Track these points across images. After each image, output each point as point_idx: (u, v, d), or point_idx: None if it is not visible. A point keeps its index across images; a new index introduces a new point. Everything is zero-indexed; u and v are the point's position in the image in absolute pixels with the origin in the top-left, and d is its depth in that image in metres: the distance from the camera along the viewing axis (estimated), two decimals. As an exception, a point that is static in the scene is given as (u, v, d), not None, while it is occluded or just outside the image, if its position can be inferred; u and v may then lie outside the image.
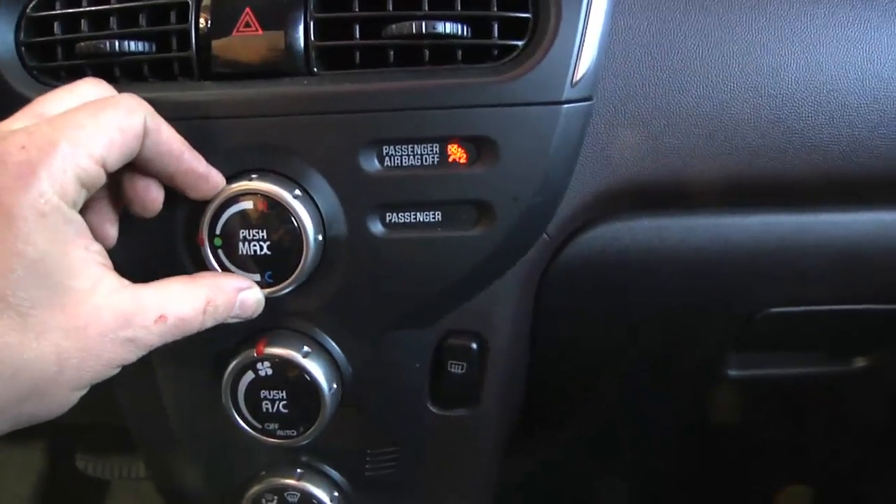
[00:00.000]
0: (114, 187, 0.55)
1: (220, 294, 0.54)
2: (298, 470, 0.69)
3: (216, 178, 0.56)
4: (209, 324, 0.53)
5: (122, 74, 0.60)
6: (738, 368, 0.83)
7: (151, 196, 0.55)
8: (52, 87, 0.60)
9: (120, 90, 0.58)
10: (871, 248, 0.72)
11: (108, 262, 0.50)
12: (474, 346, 0.67)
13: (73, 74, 0.61)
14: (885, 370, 0.86)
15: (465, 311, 0.65)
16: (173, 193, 0.57)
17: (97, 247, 0.49)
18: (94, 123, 0.48)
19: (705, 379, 0.83)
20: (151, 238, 0.60)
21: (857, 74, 0.65)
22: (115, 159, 0.49)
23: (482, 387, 0.69)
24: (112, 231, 0.57)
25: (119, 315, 0.48)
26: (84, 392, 0.49)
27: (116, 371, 0.49)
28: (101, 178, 0.48)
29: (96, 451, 1.33)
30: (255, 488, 0.69)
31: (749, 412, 0.92)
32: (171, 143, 0.53)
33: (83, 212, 0.49)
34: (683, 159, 0.65)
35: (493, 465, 0.78)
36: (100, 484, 1.46)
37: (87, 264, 0.48)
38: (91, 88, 0.53)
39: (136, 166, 0.53)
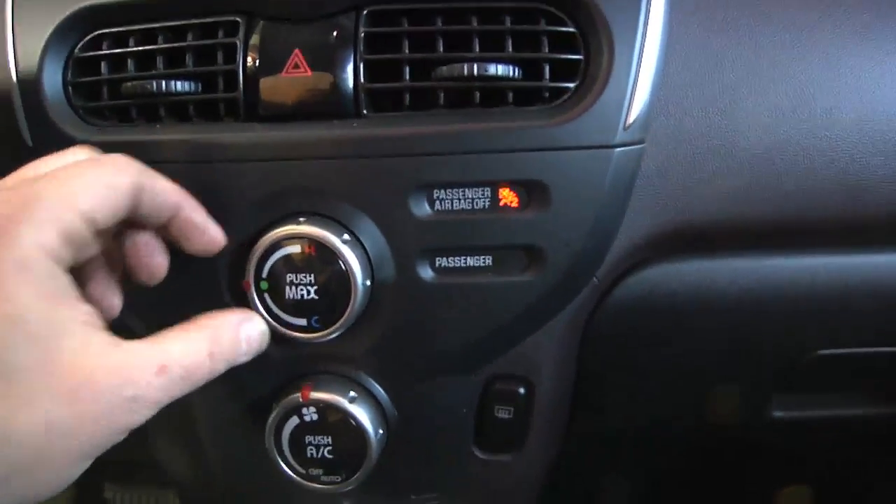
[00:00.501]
0: (116, 254, 0.53)
1: (223, 333, 0.52)
2: None
3: (214, 231, 0.55)
4: (220, 368, 0.51)
5: (168, 114, 0.60)
6: (783, 410, 0.81)
7: (156, 261, 0.54)
8: (98, 127, 0.59)
9: (165, 131, 0.58)
10: None
11: (99, 322, 0.46)
12: (521, 390, 0.66)
13: (118, 114, 0.61)
14: None
15: (511, 355, 0.64)
16: None
17: (86, 307, 0.46)
18: (80, 180, 0.46)
19: (750, 422, 0.81)
20: (195, 284, 0.59)
21: None
22: (104, 216, 0.47)
23: (528, 432, 0.68)
24: (115, 301, 0.54)
25: (114, 373, 0.44)
26: (88, 464, 0.45)
27: (123, 436, 0.45)
28: (88, 236, 0.46)
29: (125, 481, 1.32)
30: None
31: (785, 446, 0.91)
32: (167, 195, 0.51)
33: (84, 282, 0.48)
34: (734, 202, 0.64)
35: None
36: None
37: (74, 323, 0.44)
38: (81, 152, 0.52)
39: (137, 227, 0.52)
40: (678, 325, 0.69)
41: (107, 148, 0.58)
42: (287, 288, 0.56)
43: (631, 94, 0.56)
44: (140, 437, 0.85)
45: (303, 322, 0.57)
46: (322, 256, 0.56)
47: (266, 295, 0.57)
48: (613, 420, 0.80)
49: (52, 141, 0.59)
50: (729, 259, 0.67)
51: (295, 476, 0.63)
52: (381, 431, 0.61)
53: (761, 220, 0.64)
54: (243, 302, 0.58)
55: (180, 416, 0.68)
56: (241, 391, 0.63)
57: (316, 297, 0.56)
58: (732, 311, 0.69)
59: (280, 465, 0.62)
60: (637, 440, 0.88)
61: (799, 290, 0.69)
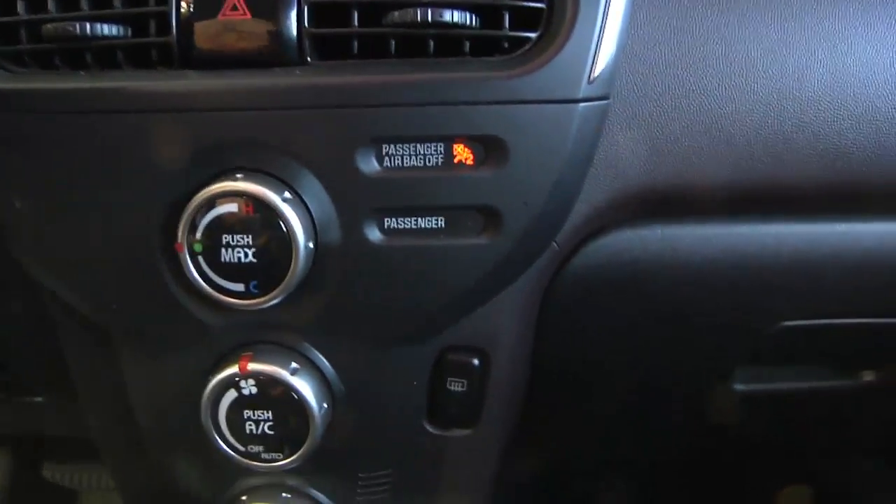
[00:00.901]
0: None
1: None
2: (284, 494, 0.64)
3: None
4: None
5: (94, 61, 0.55)
6: (745, 383, 0.79)
7: None
8: (15, 73, 0.54)
9: (91, 78, 0.54)
10: (887, 259, 0.68)
11: None
12: (476, 362, 0.62)
13: (38, 60, 0.55)
14: (892, 385, 0.82)
15: (465, 324, 0.61)
16: (147, 193, 0.52)
17: None
18: None
19: (709, 392, 0.79)
20: (125, 246, 0.54)
21: (885, 76, 0.61)
22: None
23: (483, 405, 0.64)
24: None
25: None
26: None
27: None
28: None
29: (63, 460, 1.28)
30: None
31: (751, 424, 0.89)
32: None
33: None
34: (701, 164, 0.61)
35: (489, 486, 0.73)
36: (69, 494, 1.41)
37: None
38: None
39: None
40: (639, 294, 0.66)
41: (26, 97, 0.53)
42: (223, 250, 0.52)
43: (596, 46, 0.53)
44: (75, 413, 0.82)
45: (240, 287, 0.53)
46: (261, 216, 0.52)
47: (200, 257, 0.53)
48: (573, 395, 0.77)
49: None
50: (693, 226, 0.64)
51: (233, 454, 0.59)
52: (325, 406, 0.58)
53: (728, 185, 0.62)
54: (176, 266, 0.54)
55: (113, 390, 0.63)
56: (176, 362, 0.59)
57: (254, 261, 0.52)
58: (695, 281, 0.66)
59: (217, 442, 0.58)
60: (601, 419, 0.85)
61: (765, 260, 0.66)
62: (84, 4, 0.55)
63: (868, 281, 0.70)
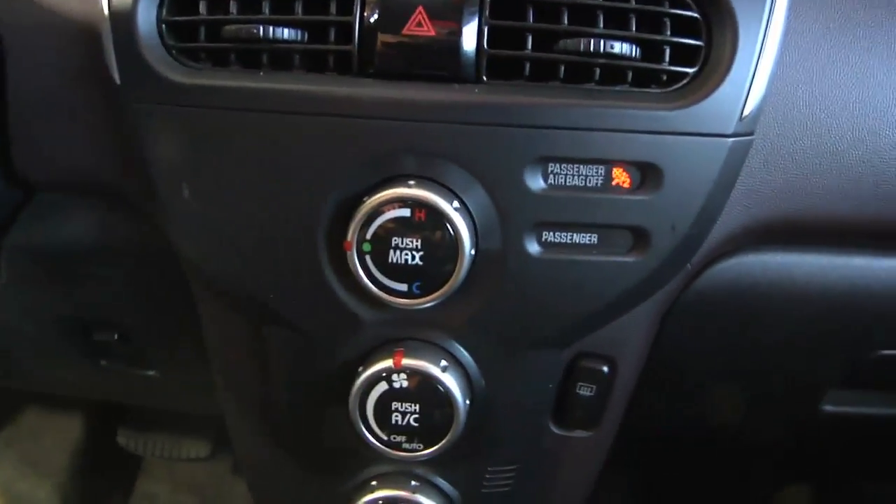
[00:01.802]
0: None
1: None
2: (413, 482, 0.68)
3: None
4: None
5: (269, 62, 0.58)
6: (834, 405, 0.82)
7: None
8: (193, 69, 0.57)
9: (270, 79, 0.56)
10: None
11: None
12: (605, 369, 0.65)
13: (215, 58, 0.59)
14: None
15: (599, 333, 0.64)
16: (319, 193, 0.56)
17: None
18: None
19: (800, 412, 0.82)
20: (289, 240, 0.58)
21: None
22: None
23: (605, 410, 0.67)
24: None
25: None
26: None
27: None
28: None
29: (138, 428, 1.32)
30: (367, 498, 0.67)
31: (832, 445, 0.92)
32: None
33: None
34: (830, 200, 0.63)
35: (592, 483, 0.76)
36: (134, 460, 1.45)
37: None
38: None
39: None
40: (752, 315, 0.69)
41: (202, 92, 0.56)
42: (391, 252, 0.55)
43: (749, 85, 0.56)
44: (155, 384, 0.85)
45: (403, 287, 0.56)
46: (432, 222, 0.55)
47: (368, 257, 0.56)
48: (670, 405, 0.80)
49: (142, 80, 0.57)
50: (813, 255, 0.67)
51: (376, 442, 0.62)
52: (468, 402, 0.61)
53: (852, 221, 0.65)
54: (341, 264, 0.57)
55: (253, 373, 0.67)
56: (325, 353, 0.62)
57: (420, 264, 0.55)
58: (807, 307, 0.69)
59: (362, 431, 0.61)
60: (694, 424, 0.88)
61: (874, 291, 0.69)
62: (265, 8, 0.57)
63: None
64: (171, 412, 1.30)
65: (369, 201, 0.55)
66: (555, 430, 0.69)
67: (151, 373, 0.87)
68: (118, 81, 0.58)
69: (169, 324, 0.79)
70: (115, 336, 0.81)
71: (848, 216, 0.64)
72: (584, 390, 0.66)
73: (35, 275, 0.73)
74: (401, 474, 0.68)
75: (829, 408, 0.82)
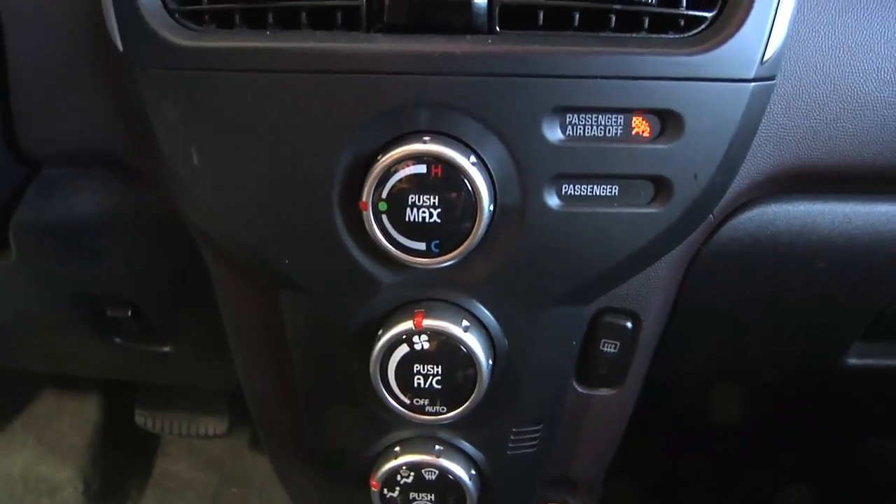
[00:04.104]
0: None
1: None
2: (437, 447, 0.67)
3: None
4: None
5: (276, 21, 0.56)
6: (858, 357, 0.81)
7: None
8: (197, 32, 0.56)
9: (279, 38, 0.55)
10: None
11: None
12: (629, 324, 0.64)
13: (219, 20, 0.57)
14: None
15: (621, 288, 0.63)
16: (332, 152, 0.54)
17: None
18: None
19: (824, 365, 0.81)
20: (303, 201, 0.56)
21: None
22: None
23: (629, 366, 0.66)
24: None
25: None
26: None
27: None
28: None
29: (155, 406, 1.32)
30: (390, 464, 0.66)
31: (854, 399, 0.91)
32: None
33: None
34: (854, 146, 0.62)
35: (617, 442, 0.76)
36: (153, 439, 1.45)
37: None
38: None
39: None
40: (777, 266, 0.68)
41: (208, 55, 0.55)
42: (408, 210, 0.54)
43: (770, 28, 0.54)
44: (170, 360, 0.85)
45: (421, 246, 0.55)
46: (449, 178, 0.53)
47: (384, 216, 0.54)
48: (695, 358, 0.79)
49: (145, 46, 0.56)
50: (836, 203, 0.66)
51: (398, 406, 0.61)
52: (490, 362, 0.60)
53: (877, 166, 0.63)
54: (357, 224, 0.55)
55: (270, 341, 0.66)
56: (343, 316, 0.61)
57: (438, 221, 0.54)
58: (832, 256, 0.68)
59: (384, 395, 0.60)
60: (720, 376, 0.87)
61: None
62: None
63: None
64: (188, 390, 1.30)
65: (384, 159, 0.54)
66: (579, 388, 0.68)
67: (166, 349, 0.86)
68: (120, 48, 0.57)
69: (182, 298, 0.78)
70: (128, 312, 0.80)
71: (872, 161, 0.63)
72: (608, 347, 0.65)
73: (44, 251, 0.73)
74: (424, 439, 0.68)
75: (852, 361, 0.81)
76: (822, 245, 0.67)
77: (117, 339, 0.86)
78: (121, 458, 1.44)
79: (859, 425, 1.14)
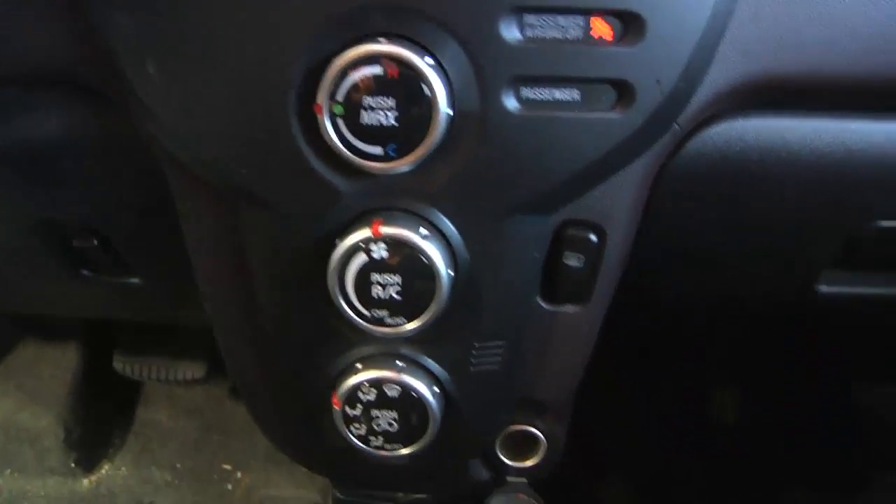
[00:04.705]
0: None
1: None
2: (399, 363, 0.66)
3: None
4: None
5: None
6: (831, 285, 0.80)
7: None
8: None
9: None
10: None
11: None
12: (593, 237, 0.63)
13: None
14: None
15: (585, 200, 0.62)
16: (285, 55, 0.53)
17: None
18: None
19: (796, 293, 0.80)
20: (258, 109, 0.55)
21: None
22: None
23: (595, 282, 0.66)
24: None
25: None
26: None
27: None
28: None
29: (133, 353, 1.32)
30: (351, 381, 0.66)
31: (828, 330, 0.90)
32: None
33: None
34: (822, 55, 0.61)
35: (585, 363, 0.75)
36: (133, 387, 1.46)
37: None
38: None
39: None
40: (747, 184, 0.67)
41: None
42: (363, 112, 0.53)
43: None
44: (141, 295, 0.84)
45: (378, 150, 0.54)
46: (404, 78, 0.52)
47: (339, 120, 0.53)
48: (665, 277, 0.78)
49: None
50: (806, 119, 0.65)
51: (357, 318, 0.60)
52: (451, 272, 0.59)
53: (847, 78, 0.62)
54: (312, 129, 0.55)
55: (232, 259, 0.65)
56: (303, 228, 0.60)
57: (395, 124, 0.53)
58: (802, 173, 0.67)
59: (342, 306, 0.60)
60: (678, 306, 0.87)
61: (870, 158, 0.67)
62: None
63: None
64: (167, 336, 1.29)
65: (338, 59, 0.53)
66: (543, 305, 0.67)
67: (135, 280, 0.85)
68: None
69: (149, 226, 0.78)
70: (94, 242, 0.79)
71: (842, 73, 0.62)
72: (573, 260, 0.64)
73: (2, 178, 0.71)
74: (386, 355, 0.67)
75: (824, 288, 0.80)
76: (792, 162, 0.66)
77: (85, 272, 0.85)
78: (102, 406, 1.44)
79: (842, 366, 1.15)
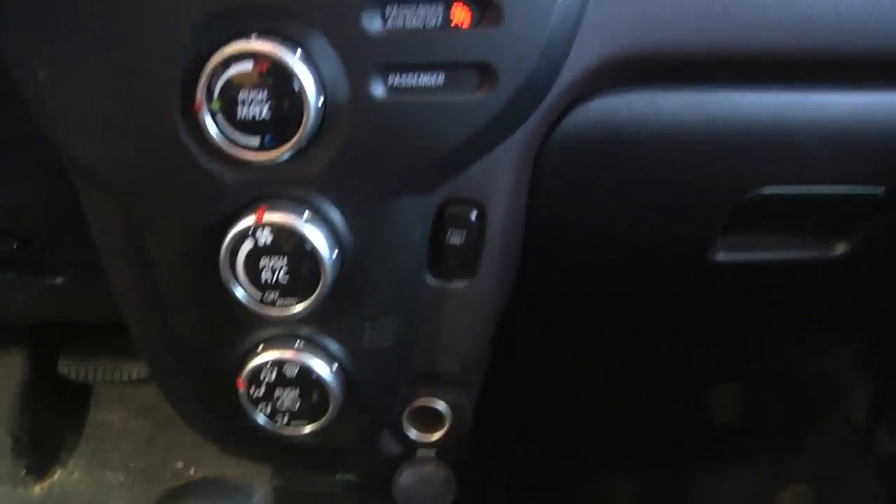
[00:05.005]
0: None
1: None
2: (297, 343, 0.69)
3: None
4: None
5: None
6: (727, 252, 0.84)
7: None
8: None
9: None
10: (863, 128, 0.72)
11: None
12: (473, 214, 0.67)
13: None
14: (862, 257, 0.87)
15: (464, 179, 0.65)
16: (164, 59, 0.56)
17: None
18: None
19: (694, 263, 0.84)
20: (144, 110, 0.58)
21: None
22: None
23: (480, 258, 0.69)
24: None
25: None
26: None
27: None
28: None
29: (79, 355, 1.33)
30: (253, 362, 0.69)
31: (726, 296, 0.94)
32: None
33: None
34: (682, 31, 0.64)
35: (487, 339, 0.78)
36: (84, 391, 1.47)
37: None
38: None
39: None
40: (626, 158, 0.70)
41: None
42: (239, 107, 0.56)
43: None
44: (67, 295, 0.86)
45: (255, 142, 0.57)
46: (275, 73, 0.55)
47: (218, 115, 0.56)
48: (560, 254, 0.81)
49: None
50: (675, 92, 0.68)
51: (250, 302, 0.63)
52: (335, 253, 0.62)
53: (708, 51, 0.65)
54: (194, 126, 0.57)
55: (133, 251, 0.68)
56: (195, 219, 0.63)
57: (269, 116, 0.56)
58: (678, 146, 0.70)
59: (234, 291, 0.63)
60: (582, 279, 0.90)
61: (743, 126, 0.70)
62: None
63: (844, 148, 0.74)
64: (111, 335, 1.31)
65: (211, 60, 0.55)
66: (432, 281, 0.70)
67: (59, 280, 0.87)
68: None
69: (66, 225, 0.80)
70: (14, 245, 0.81)
71: (702, 45, 0.65)
72: (455, 237, 0.67)
73: None
74: (286, 337, 0.70)
75: (720, 257, 0.84)
76: (667, 134, 0.69)
77: (9, 275, 0.87)
78: (51, 411, 1.45)
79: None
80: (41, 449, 1.42)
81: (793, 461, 1.36)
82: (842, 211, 0.82)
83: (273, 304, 0.63)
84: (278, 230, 0.60)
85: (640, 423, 1.33)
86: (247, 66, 0.55)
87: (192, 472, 1.44)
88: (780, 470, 1.36)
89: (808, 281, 0.93)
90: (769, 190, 0.76)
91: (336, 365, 0.71)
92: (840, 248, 0.88)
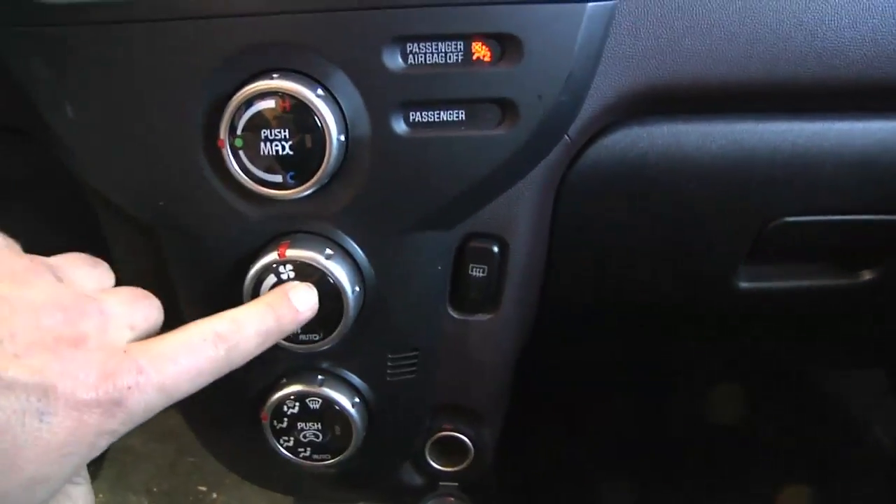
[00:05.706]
0: None
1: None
2: (320, 377, 0.69)
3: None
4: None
5: None
6: (749, 280, 0.83)
7: None
8: None
9: None
10: (885, 157, 0.72)
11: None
12: (495, 248, 0.67)
13: None
14: (888, 283, 0.86)
15: (485, 213, 0.65)
16: (189, 97, 0.56)
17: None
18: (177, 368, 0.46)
19: (717, 291, 0.83)
20: (170, 147, 0.59)
21: None
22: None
23: (502, 291, 0.69)
24: None
25: None
26: None
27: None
28: None
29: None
30: (277, 395, 0.69)
31: (752, 325, 0.93)
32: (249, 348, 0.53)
33: None
34: (704, 63, 0.64)
35: (509, 370, 0.78)
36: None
37: None
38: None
39: None
40: (647, 190, 0.70)
41: (70, 11, 0.56)
42: (262, 144, 0.56)
43: None
44: None
45: (278, 178, 0.57)
46: (297, 111, 0.56)
47: (241, 152, 0.57)
48: (584, 285, 0.81)
49: (6, 4, 0.57)
50: (697, 123, 0.68)
51: None
52: (357, 289, 0.62)
53: (729, 83, 0.65)
54: (218, 162, 0.58)
55: (156, 282, 0.68)
56: (218, 254, 0.63)
57: (291, 153, 0.56)
58: (700, 176, 0.70)
59: None
60: (606, 310, 0.90)
61: (765, 156, 0.70)
62: None
63: (866, 177, 0.73)
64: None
65: (234, 98, 0.56)
66: (454, 314, 0.70)
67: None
68: None
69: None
70: None
71: (723, 78, 0.65)
72: (477, 271, 0.67)
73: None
74: (309, 370, 0.70)
75: (744, 284, 0.83)
76: (689, 164, 0.69)
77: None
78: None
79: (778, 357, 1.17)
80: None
81: (822, 484, 1.35)
82: (866, 239, 0.82)
83: (295, 338, 0.63)
84: (300, 266, 0.61)
85: (667, 456, 1.32)
86: (269, 103, 0.56)
87: (214, 496, 1.44)
88: (810, 493, 1.35)
89: (832, 306, 0.93)
90: (792, 219, 0.76)
91: (358, 398, 0.71)
92: (866, 276, 0.87)
